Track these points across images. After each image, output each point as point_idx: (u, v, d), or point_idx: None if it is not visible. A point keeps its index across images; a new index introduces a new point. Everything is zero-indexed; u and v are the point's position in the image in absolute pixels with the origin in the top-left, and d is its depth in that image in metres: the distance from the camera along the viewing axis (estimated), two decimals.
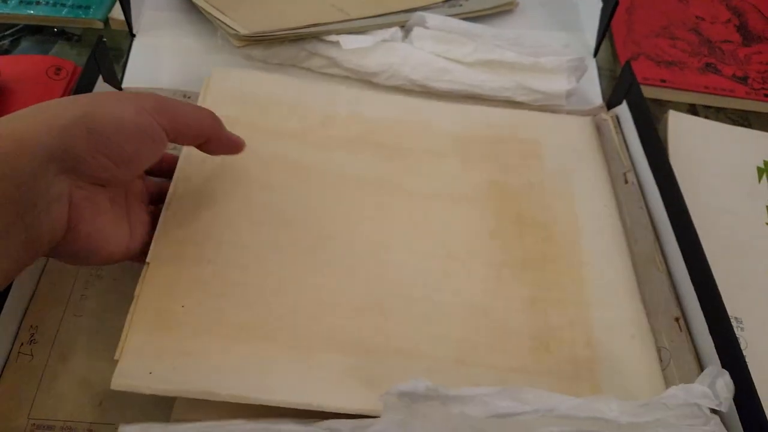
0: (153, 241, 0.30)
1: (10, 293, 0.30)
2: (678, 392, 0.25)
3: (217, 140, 0.30)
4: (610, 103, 0.45)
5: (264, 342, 0.28)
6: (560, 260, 0.34)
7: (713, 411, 0.26)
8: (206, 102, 0.38)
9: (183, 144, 0.30)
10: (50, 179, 0.23)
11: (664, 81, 0.50)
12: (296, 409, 0.26)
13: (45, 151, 0.23)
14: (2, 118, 0.23)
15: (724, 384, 0.25)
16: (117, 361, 0.26)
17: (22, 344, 0.31)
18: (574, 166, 0.40)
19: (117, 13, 0.49)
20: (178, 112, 0.28)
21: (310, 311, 0.30)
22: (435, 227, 0.35)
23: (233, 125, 0.31)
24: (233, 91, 0.39)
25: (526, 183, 0.38)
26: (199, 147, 0.30)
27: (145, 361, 0.27)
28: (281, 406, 0.26)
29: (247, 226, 0.32)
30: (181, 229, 0.31)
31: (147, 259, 0.29)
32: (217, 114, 0.30)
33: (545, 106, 0.45)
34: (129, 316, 0.28)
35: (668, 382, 0.32)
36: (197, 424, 0.25)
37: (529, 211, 0.37)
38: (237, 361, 0.27)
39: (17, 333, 0.31)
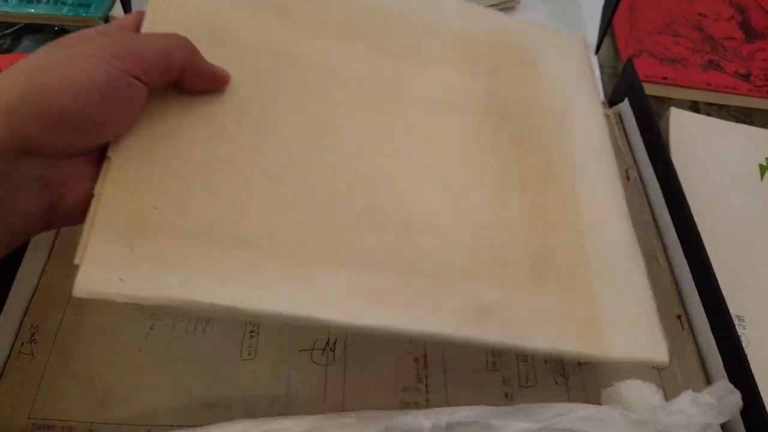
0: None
1: (11, 292, 0.31)
2: (685, 405, 0.24)
3: (192, 72, 0.26)
4: (612, 100, 0.45)
5: (255, 249, 0.25)
6: (558, 180, 0.33)
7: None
8: None
9: (155, 85, 0.25)
10: (10, 168, 0.21)
11: (666, 78, 0.50)
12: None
13: None
14: None
15: (734, 403, 0.24)
16: (77, 266, 0.22)
17: (22, 344, 0.31)
18: (571, 87, 0.37)
19: (118, 11, 0.49)
20: (141, 47, 0.24)
21: (304, 217, 0.27)
22: (432, 137, 0.32)
23: None
24: None
25: (523, 98, 0.36)
26: (177, 84, 0.26)
27: (113, 268, 0.23)
28: (277, 318, 0.24)
29: (227, 121, 0.28)
30: (150, 120, 0.26)
31: (108, 154, 0.25)
32: None
33: None
34: (89, 216, 0.23)
35: (670, 381, 0.32)
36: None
37: (527, 128, 0.34)
38: (224, 269, 0.24)
39: (18, 332, 0.31)
